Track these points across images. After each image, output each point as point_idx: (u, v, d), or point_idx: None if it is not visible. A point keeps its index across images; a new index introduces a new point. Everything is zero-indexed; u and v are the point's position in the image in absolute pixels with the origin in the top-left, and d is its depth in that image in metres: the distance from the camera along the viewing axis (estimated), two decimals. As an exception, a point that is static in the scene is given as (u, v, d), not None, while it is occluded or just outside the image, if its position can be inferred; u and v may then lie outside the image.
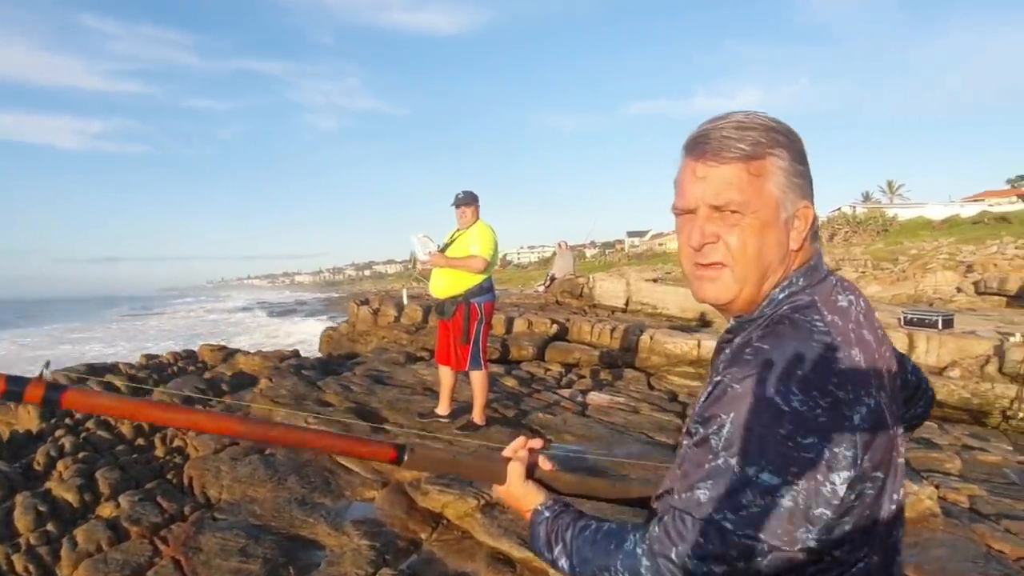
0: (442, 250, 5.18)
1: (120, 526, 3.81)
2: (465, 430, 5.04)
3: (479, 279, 5.05)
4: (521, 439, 1.17)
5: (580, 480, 1.16)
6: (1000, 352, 7.65)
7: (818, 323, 0.90)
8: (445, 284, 5.08)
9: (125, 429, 5.55)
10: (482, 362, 5.07)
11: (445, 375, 5.28)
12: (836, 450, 0.82)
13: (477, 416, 5.14)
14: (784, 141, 0.95)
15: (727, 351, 0.96)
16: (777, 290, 0.97)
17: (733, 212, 0.94)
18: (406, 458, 1.12)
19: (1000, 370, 7.52)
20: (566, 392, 6.85)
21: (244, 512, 3.90)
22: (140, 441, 5.39)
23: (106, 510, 4.13)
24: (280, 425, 1.11)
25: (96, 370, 7.66)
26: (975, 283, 19.58)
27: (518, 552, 3.33)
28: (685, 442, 0.94)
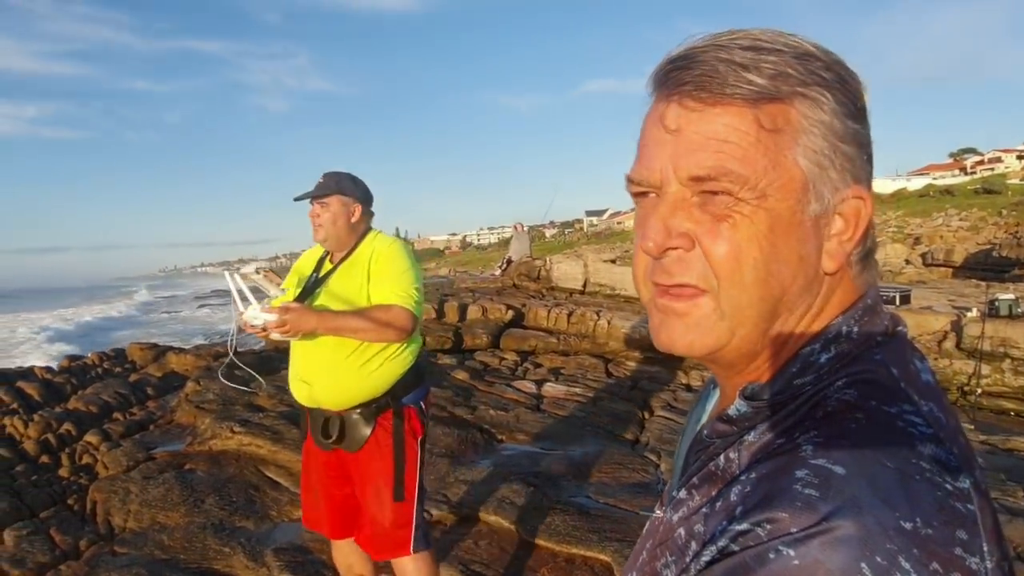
0: (300, 298, 2.36)
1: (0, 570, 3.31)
2: None
3: (407, 356, 2.35)
4: None
5: None
6: (957, 327, 7.56)
7: (913, 418, 0.50)
8: (335, 381, 2.27)
9: (29, 445, 4.97)
10: (427, 533, 2.40)
11: (356, 559, 2.45)
12: None
13: None
14: (830, 79, 0.54)
15: (734, 458, 0.55)
16: (816, 347, 0.56)
17: (724, 194, 0.53)
18: None
19: (958, 346, 7.44)
20: (520, 384, 6.49)
21: (150, 543, 3.43)
22: (45, 458, 4.82)
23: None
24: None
25: (7, 377, 6.97)
26: (922, 255, 19.99)
27: (460, 581, 2.96)
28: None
